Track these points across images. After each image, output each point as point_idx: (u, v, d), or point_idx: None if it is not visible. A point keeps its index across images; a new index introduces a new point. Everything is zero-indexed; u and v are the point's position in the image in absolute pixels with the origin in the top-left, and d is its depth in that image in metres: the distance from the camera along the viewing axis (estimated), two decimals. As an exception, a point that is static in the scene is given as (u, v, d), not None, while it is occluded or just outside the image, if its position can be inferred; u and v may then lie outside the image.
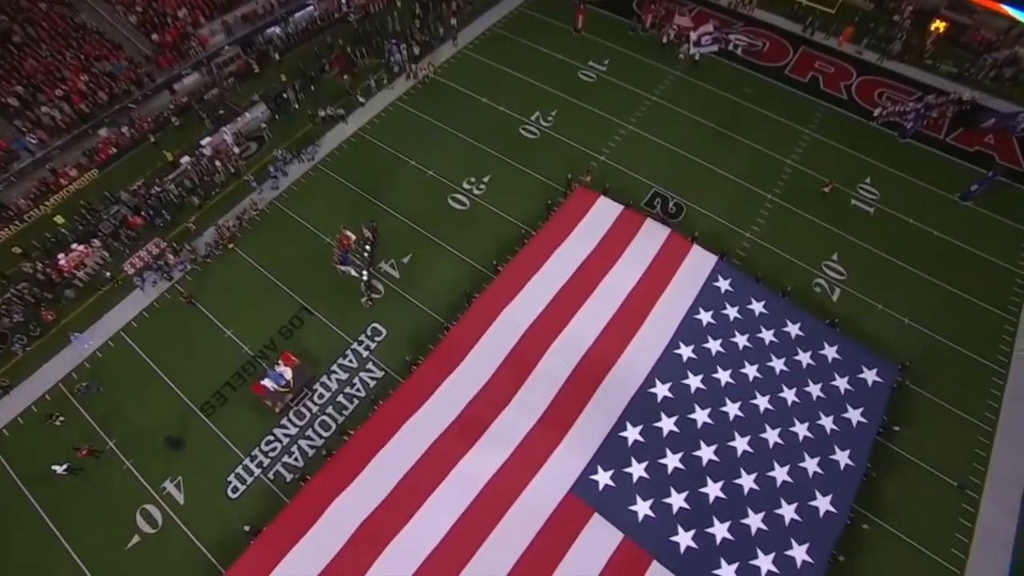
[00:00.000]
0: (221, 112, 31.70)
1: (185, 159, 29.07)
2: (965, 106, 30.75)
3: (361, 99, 32.54)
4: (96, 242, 26.09)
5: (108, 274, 25.75)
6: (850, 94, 32.29)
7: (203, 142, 29.72)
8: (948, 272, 24.65)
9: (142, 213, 27.26)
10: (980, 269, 24.74)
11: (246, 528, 18.98)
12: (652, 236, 25.64)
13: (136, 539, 19.55)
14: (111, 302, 25.18)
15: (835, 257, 25.50)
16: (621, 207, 26.55)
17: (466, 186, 28.88)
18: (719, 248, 25.16)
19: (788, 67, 33.87)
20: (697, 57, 33.74)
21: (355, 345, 23.80)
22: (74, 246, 25.63)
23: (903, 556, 18.54)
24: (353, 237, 25.82)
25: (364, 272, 25.09)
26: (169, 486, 20.59)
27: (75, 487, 20.54)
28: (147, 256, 25.85)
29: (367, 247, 25.90)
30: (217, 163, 29.11)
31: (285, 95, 32.34)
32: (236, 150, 30.02)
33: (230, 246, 26.65)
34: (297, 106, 32.47)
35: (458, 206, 28.13)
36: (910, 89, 32.29)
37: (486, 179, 29.05)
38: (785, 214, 27.12)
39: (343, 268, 25.10)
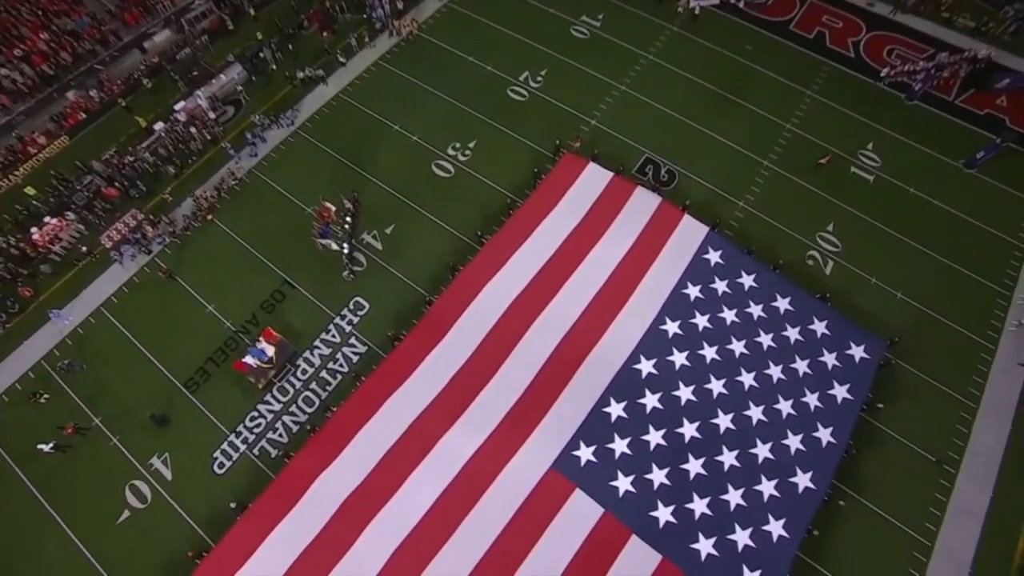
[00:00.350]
0: (195, 73, 30.17)
1: (159, 125, 27.89)
2: (979, 64, 29.07)
3: (342, 59, 30.90)
4: (70, 215, 25.38)
5: (84, 248, 25.20)
6: (858, 51, 30.52)
7: (177, 107, 28.43)
8: (945, 244, 23.93)
9: (116, 183, 26.38)
10: (979, 241, 24.01)
11: (232, 505, 19.28)
12: (642, 205, 24.83)
13: (127, 514, 19.94)
14: (89, 277, 24.73)
15: (830, 228, 24.74)
16: (611, 174, 25.60)
17: (451, 152, 27.80)
18: (711, 218, 24.41)
19: (793, 21, 31.88)
20: (697, 11, 31.74)
21: (337, 319, 23.52)
22: (47, 219, 24.95)
23: (875, 529, 18.84)
24: (333, 208, 25.07)
25: (345, 245, 24.50)
26: (156, 462, 20.83)
27: (64, 464, 20.78)
28: (124, 229, 25.19)
29: (348, 219, 25.18)
30: (192, 129, 27.92)
31: (261, 54, 30.69)
32: (212, 115, 28.74)
33: (209, 217, 25.93)
34: (275, 67, 30.88)
35: (443, 174, 27.18)
36: (922, 46, 30.45)
37: (472, 145, 27.92)
38: (781, 182, 26.15)
39: (323, 242, 24.48)
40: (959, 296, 22.81)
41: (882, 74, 29.12)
